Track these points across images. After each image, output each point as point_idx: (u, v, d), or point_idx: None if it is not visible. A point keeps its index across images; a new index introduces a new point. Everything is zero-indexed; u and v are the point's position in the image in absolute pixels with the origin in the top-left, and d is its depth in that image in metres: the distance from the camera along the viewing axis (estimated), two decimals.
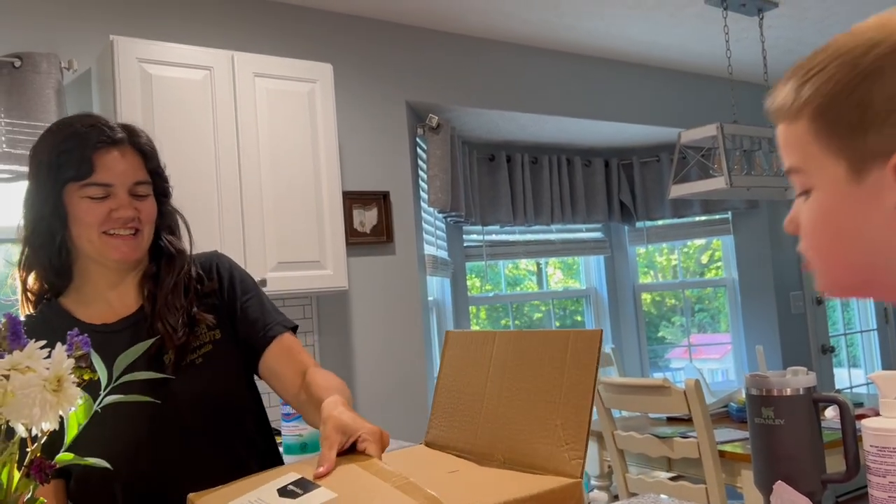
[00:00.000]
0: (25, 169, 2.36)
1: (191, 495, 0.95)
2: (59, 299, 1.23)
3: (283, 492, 0.88)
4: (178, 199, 2.43)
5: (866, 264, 0.60)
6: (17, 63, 2.42)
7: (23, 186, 2.51)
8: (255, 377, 1.32)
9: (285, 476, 0.93)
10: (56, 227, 1.16)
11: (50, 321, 1.19)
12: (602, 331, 0.92)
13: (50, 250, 1.17)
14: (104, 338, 1.14)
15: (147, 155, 1.22)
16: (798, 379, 1.14)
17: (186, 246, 1.29)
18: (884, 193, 0.56)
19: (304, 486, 0.88)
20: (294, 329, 1.30)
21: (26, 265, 1.20)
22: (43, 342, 0.82)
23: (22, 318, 1.21)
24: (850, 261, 0.61)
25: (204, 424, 1.19)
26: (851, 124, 0.56)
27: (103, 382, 0.90)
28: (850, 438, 1.08)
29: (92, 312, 1.21)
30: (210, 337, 1.22)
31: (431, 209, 3.65)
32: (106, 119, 1.21)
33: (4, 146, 2.39)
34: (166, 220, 1.27)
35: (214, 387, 1.20)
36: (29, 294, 1.23)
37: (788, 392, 1.12)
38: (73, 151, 1.13)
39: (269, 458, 1.28)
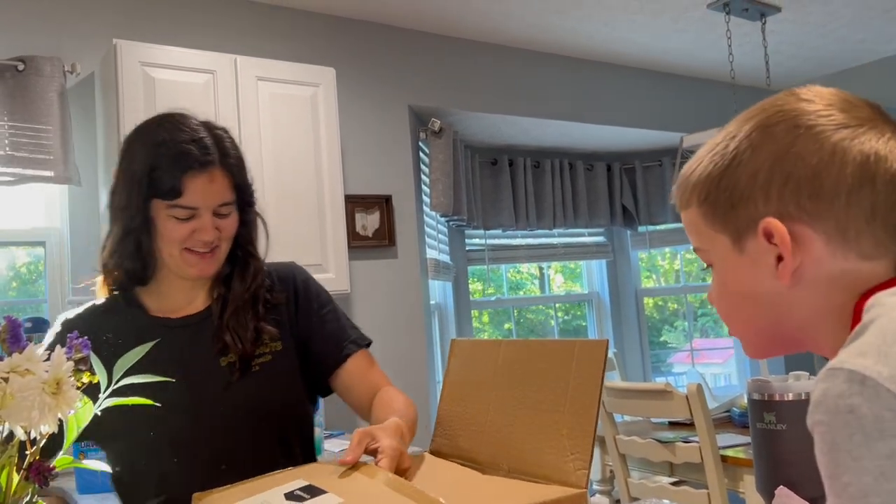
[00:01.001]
0: (28, 172, 2.39)
1: (196, 494, 0.95)
2: (135, 288, 1.26)
3: (291, 496, 0.88)
4: None
5: (771, 323, 0.69)
6: (21, 66, 2.43)
7: (26, 189, 2.52)
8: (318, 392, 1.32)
9: (293, 482, 0.93)
10: (144, 240, 1.18)
11: (118, 308, 1.23)
12: (608, 341, 0.92)
13: (136, 260, 1.20)
14: (169, 332, 1.19)
15: (235, 173, 1.22)
16: (800, 384, 1.13)
17: (262, 251, 1.30)
18: (763, 257, 0.66)
19: (311, 491, 0.88)
20: (369, 345, 1.32)
21: (111, 266, 1.22)
22: (42, 346, 0.81)
23: (98, 302, 1.27)
24: (756, 322, 0.70)
25: (246, 432, 1.18)
26: (725, 204, 0.68)
27: (103, 385, 0.90)
28: None
29: (162, 306, 1.24)
30: (271, 348, 1.23)
31: (433, 213, 3.65)
32: (199, 130, 1.19)
33: (7, 149, 2.39)
34: (247, 228, 1.27)
35: (264, 397, 1.20)
36: (109, 282, 1.25)
37: (790, 397, 1.12)
38: (165, 171, 1.14)
39: None
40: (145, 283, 1.24)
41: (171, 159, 1.14)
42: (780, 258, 0.65)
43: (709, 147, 0.71)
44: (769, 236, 0.65)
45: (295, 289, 1.30)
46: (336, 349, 1.27)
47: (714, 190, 0.68)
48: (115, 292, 1.25)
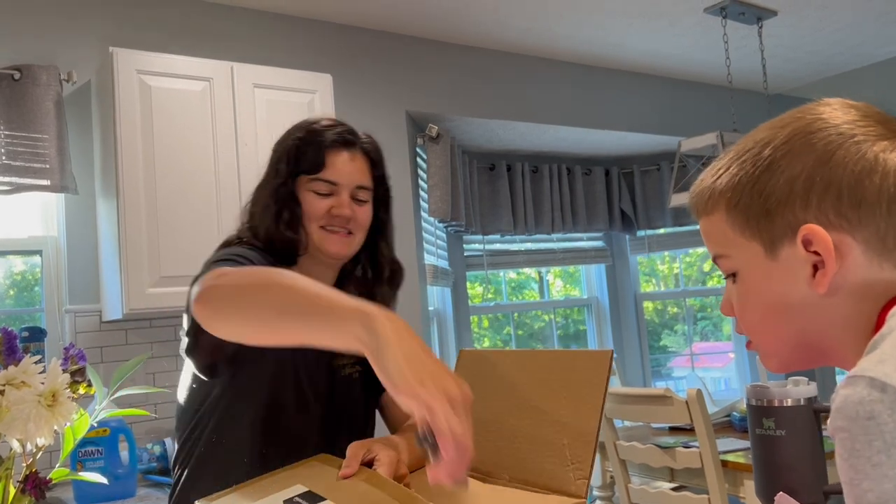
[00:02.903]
0: (25, 181, 2.39)
1: (197, 502, 0.95)
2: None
3: (290, 503, 0.88)
4: (178, 211, 2.43)
5: (799, 333, 0.68)
6: (17, 75, 2.43)
7: (22, 198, 2.51)
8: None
9: (293, 488, 0.93)
10: (295, 212, 1.23)
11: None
12: (612, 351, 0.92)
13: (289, 229, 1.22)
14: None
15: (374, 162, 1.28)
16: (799, 389, 1.13)
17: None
18: (798, 265, 0.65)
19: (310, 498, 0.88)
20: None
21: (268, 237, 1.22)
22: (37, 358, 0.81)
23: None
24: (784, 333, 0.69)
25: (331, 432, 1.22)
26: (758, 211, 0.67)
27: (99, 396, 0.90)
28: None
29: None
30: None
31: (432, 219, 3.65)
32: (344, 122, 1.30)
33: (4, 158, 2.39)
34: (383, 227, 1.32)
35: (352, 404, 1.24)
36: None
37: (789, 402, 1.12)
38: (311, 145, 1.24)
39: None
40: (294, 261, 1.24)
41: (317, 135, 1.25)
42: (815, 266, 0.64)
43: (735, 154, 0.70)
44: (807, 244, 0.64)
45: None
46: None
47: (747, 196, 0.67)
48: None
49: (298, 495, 0.90)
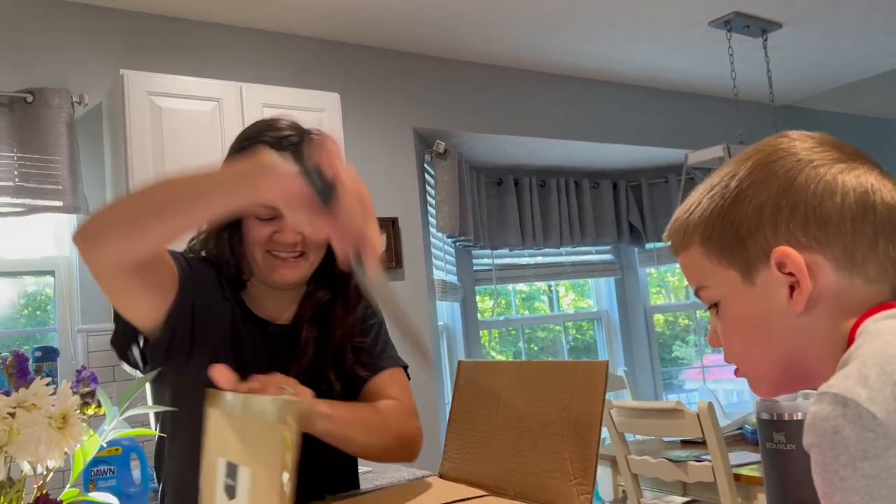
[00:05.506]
0: (38, 202, 2.42)
1: None
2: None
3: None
4: None
5: (783, 355, 0.70)
6: (30, 98, 2.46)
7: (35, 219, 2.53)
8: None
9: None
10: (235, 239, 1.12)
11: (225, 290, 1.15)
12: (607, 362, 0.93)
13: (232, 254, 1.13)
14: (267, 336, 1.15)
15: None
16: (809, 403, 1.12)
17: None
18: (775, 287, 0.67)
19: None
20: (403, 368, 1.28)
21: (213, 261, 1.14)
22: (47, 381, 0.82)
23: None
24: (769, 356, 0.71)
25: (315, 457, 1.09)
26: (732, 239, 0.69)
27: (108, 418, 0.91)
28: None
29: (257, 309, 1.18)
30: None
31: (440, 234, 3.66)
32: (285, 129, 1.12)
33: (17, 180, 2.42)
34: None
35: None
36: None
37: (799, 416, 1.11)
38: None
39: None
40: (242, 285, 1.16)
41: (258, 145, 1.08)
42: (791, 287, 0.67)
43: (705, 189, 0.74)
44: (781, 266, 0.66)
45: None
46: (369, 365, 1.23)
47: (719, 226, 0.70)
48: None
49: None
